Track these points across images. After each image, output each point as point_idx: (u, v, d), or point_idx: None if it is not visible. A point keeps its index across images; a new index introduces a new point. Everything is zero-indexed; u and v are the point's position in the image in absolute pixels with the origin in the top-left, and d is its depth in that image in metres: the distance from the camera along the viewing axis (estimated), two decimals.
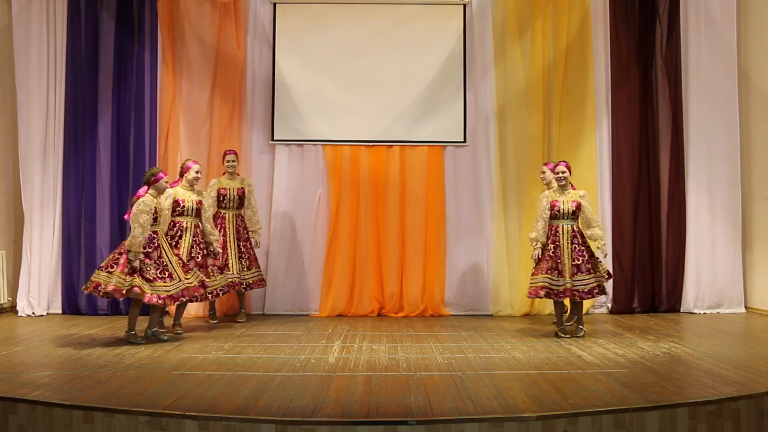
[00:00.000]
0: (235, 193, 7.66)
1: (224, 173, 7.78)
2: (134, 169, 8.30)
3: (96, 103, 8.28)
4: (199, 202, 7.06)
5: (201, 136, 8.34)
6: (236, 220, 7.68)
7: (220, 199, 7.65)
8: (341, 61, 8.57)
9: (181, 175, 7.14)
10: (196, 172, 7.06)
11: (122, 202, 8.24)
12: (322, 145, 8.49)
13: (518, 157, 8.40)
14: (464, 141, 8.54)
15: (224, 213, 7.65)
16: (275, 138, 8.50)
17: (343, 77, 8.55)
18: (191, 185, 7.05)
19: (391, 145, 8.52)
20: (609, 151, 8.54)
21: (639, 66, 8.54)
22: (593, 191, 8.43)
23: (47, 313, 8.14)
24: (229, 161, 7.72)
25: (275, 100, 8.52)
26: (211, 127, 8.35)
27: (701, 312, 8.29)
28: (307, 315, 8.29)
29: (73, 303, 8.19)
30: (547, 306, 8.33)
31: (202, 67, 8.34)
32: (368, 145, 8.50)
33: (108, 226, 8.21)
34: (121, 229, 8.21)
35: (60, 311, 8.20)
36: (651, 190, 8.52)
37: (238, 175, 7.84)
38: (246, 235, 7.73)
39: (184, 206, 6.95)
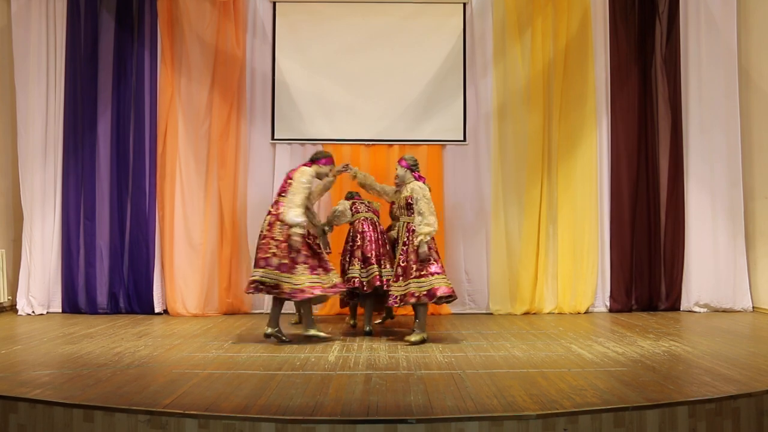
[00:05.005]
0: None
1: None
2: (134, 167, 8.30)
3: (95, 102, 8.28)
4: None
5: (200, 135, 8.32)
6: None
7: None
8: (341, 60, 8.56)
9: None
10: None
11: (122, 200, 8.24)
12: (323, 144, 8.49)
13: (518, 156, 8.41)
14: (464, 140, 8.54)
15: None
16: (276, 137, 8.49)
17: (343, 76, 8.55)
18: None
19: (391, 144, 8.52)
20: (608, 150, 8.54)
21: (639, 65, 8.54)
22: (592, 189, 8.44)
23: (47, 312, 8.15)
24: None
25: (275, 99, 8.51)
26: (210, 126, 8.34)
27: (702, 311, 8.29)
28: None
29: (73, 302, 8.19)
30: (547, 305, 8.35)
31: (201, 66, 8.33)
32: (368, 145, 8.49)
33: (108, 225, 8.21)
34: (120, 228, 8.21)
35: (60, 310, 8.21)
36: (650, 189, 8.52)
37: None
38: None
39: None
